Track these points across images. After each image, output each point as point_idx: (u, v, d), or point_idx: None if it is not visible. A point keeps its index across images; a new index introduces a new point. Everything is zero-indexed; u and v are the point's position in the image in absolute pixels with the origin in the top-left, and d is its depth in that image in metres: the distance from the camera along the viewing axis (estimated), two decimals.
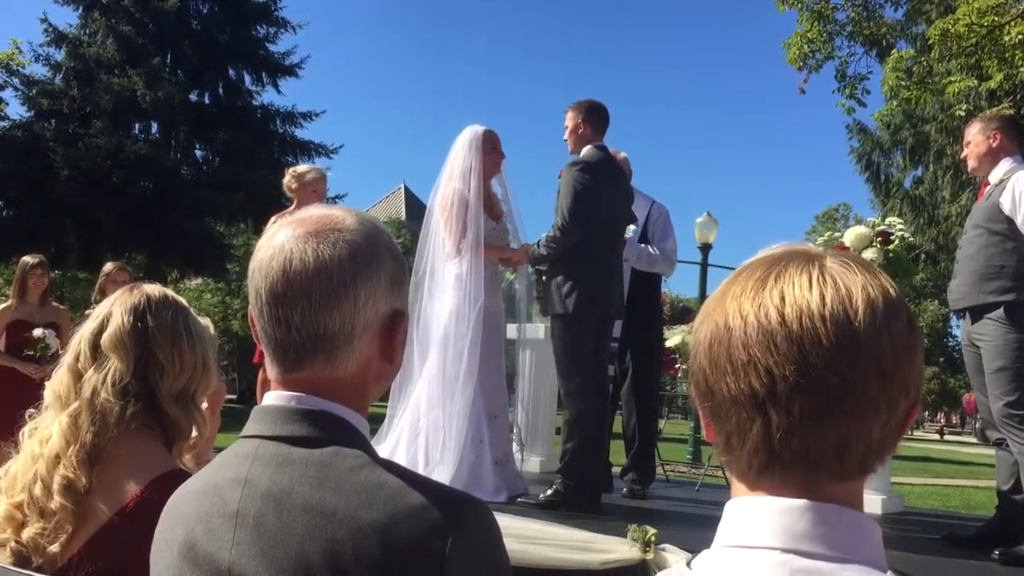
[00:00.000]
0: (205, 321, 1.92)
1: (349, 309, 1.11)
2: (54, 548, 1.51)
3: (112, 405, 1.61)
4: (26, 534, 1.52)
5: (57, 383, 1.69)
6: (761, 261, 0.88)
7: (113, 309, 1.72)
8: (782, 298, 0.82)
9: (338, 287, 1.10)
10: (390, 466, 1.08)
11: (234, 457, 1.14)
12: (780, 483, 0.83)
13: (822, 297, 0.81)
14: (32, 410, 1.71)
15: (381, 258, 1.14)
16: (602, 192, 4.74)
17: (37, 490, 1.55)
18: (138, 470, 1.58)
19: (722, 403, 0.84)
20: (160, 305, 1.74)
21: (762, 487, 0.84)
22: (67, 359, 1.71)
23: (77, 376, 1.68)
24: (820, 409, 0.79)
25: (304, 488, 1.04)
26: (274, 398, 1.14)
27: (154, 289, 1.79)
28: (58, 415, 1.64)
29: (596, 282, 4.70)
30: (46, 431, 1.63)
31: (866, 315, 0.80)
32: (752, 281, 0.85)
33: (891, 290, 0.84)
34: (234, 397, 33.55)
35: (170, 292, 1.82)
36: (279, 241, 1.13)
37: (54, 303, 6.71)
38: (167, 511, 1.19)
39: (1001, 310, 4.11)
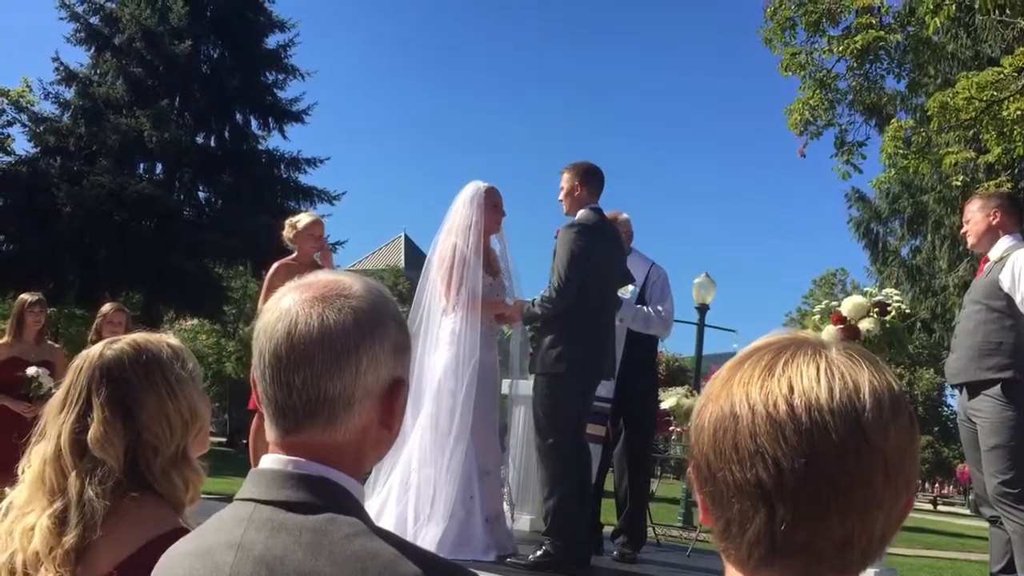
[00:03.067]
0: (176, 343, 1.72)
1: (351, 375, 1.11)
2: None
3: (100, 505, 1.50)
4: None
5: (38, 473, 1.56)
6: (767, 347, 0.87)
7: (92, 399, 1.58)
8: (791, 388, 0.81)
9: (341, 353, 1.11)
10: (385, 535, 1.08)
11: (228, 520, 1.13)
12: (779, 574, 0.82)
13: (830, 390, 0.80)
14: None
15: (385, 326, 1.15)
16: (597, 255, 4.76)
17: None
18: (134, 535, 1.52)
19: (724, 490, 0.83)
20: (136, 373, 1.60)
21: (755, 573, 0.83)
22: (47, 450, 1.58)
23: (61, 473, 1.55)
24: (826, 503, 0.79)
25: (298, 555, 1.04)
26: (271, 461, 1.14)
27: (122, 352, 1.63)
28: (41, 503, 1.53)
29: (586, 343, 4.71)
30: (28, 519, 1.52)
31: (873, 410, 0.80)
32: (759, 368, 0.84)
33: (894, 385, 0.84)
34: (224, 440, 33.33)
35: (139, 342, 1.66)
36: (285, 305, 1.14)
37: (49, 341, 6.70)
38: (158, 571, 1.19)
39: (998, 387, 4.12)
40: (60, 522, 1.51)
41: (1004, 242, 4.36)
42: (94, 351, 1.66)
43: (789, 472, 0.79)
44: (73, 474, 1.54)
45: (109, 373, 1.60)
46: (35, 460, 1.59)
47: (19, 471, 1.62)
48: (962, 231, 4.66)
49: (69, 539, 1.48)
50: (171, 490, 1.60)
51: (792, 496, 0.79)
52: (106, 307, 6.50)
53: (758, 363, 0.85)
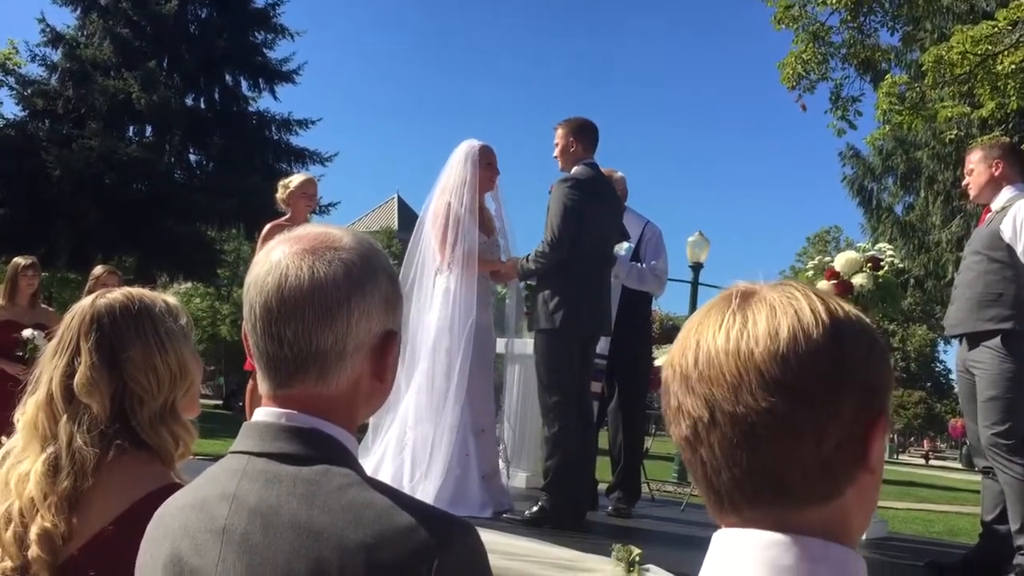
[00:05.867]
0: (172, 300, 1.73)
1: (342, 327, 1.11)
2: None
3: (89, 452, 1.52)
4: None
5: (31, 419, 1.58)
6: (702, 308, 0.91)
7: (80, 344, 1.60)
8: (697, 343, 0.86)
9: (332, 305, 1.10)
10: (378, 486, 1.08)
11: (222, 472, 1.13)
12: (737, 519, 0.85)
13: (727, 335, 0.84)
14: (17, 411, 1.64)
15: (376, 278, 1.15)
16: (591, 210, 4.73)
17: (8, 535, 1.48)
18: (128, 490, 1.52)
19: (680, 447, 0.88)
20: (125, 322, 1.61)
21: (725, 521, 0.86)
22: (40, 396, 1.60)
23: (52, 418, 1.57)
24: (736, 441, 0.82)
25: (292, 506, 1.04)
26: (264, 414, 1.14)
27: (114, 300, 1.65)
28: (35, 450, 1.55)
29: (583, 299, 4.70)
30: (23, 466, 1.54)
31: (766, 341, 0.82)
32: (685, 331, 0.90)
33: (811, 312, 0.83)
34: (220, 403, 33.48)
35: (132, 293, 1.68)
36: (275, 257, 1.13)
37: (43, 305, 6.70)
38: (153, 524, 1.19)
39: (998, 338, 4.11)
40: (53, 468, 1.52)
41: (1006, 192, 4.32)
42: (87, 300, 1.68)
43: (699, 420, 0.84)
44: (64, 418, 1.56)
45: (99, 320, 1.62)
46: (29, 407, 1.60)
47: (15, 419, 1.63)
48: (964, 183, 4.62)
49: (62, 486, 1.50)
50: (160, 443, 1.61)
51: (707, 442, 0.83)
52: (98, 269, 6.51)
53: (686, 327, 0.90)
